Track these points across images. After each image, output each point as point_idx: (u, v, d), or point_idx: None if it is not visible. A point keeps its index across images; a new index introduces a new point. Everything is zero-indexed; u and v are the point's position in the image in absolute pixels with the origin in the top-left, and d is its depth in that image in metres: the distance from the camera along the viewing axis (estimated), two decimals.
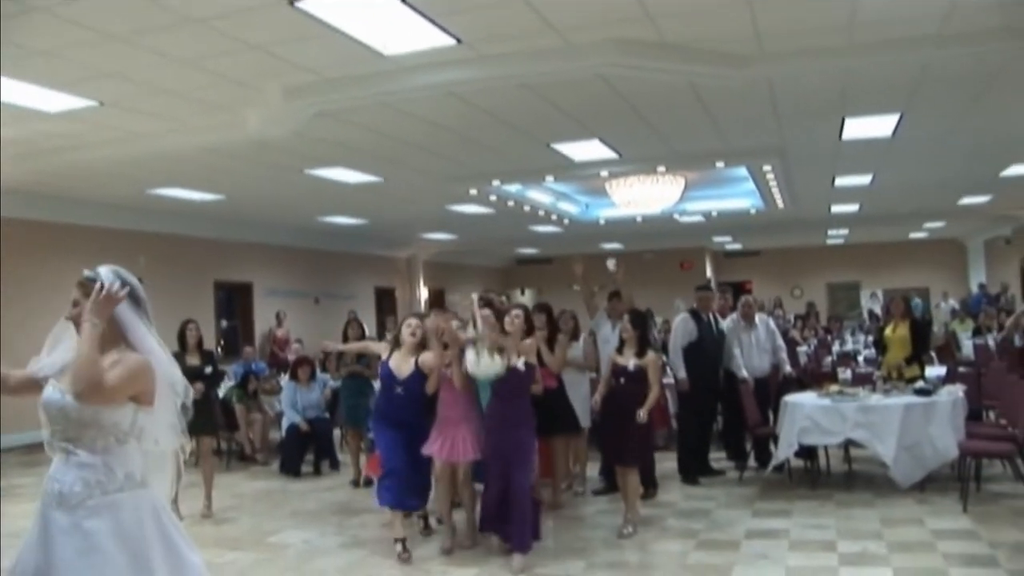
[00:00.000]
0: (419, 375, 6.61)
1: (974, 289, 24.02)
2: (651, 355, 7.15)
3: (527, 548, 6.28)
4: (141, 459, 3.08)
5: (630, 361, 7.10)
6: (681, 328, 9.25)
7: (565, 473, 8.53)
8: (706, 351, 9.16)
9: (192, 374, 8.22)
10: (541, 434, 6.93)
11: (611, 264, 9.04)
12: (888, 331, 9.84)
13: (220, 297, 17.84)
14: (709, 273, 28.07)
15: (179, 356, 8.33)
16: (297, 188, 13.24)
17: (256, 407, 11.70)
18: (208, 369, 8.55)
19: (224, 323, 18.17)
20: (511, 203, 16.11)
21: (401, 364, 6.69)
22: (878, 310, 22.87)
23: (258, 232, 17.98)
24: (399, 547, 6.55)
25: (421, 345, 6.73)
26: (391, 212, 16.71)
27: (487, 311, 6.93)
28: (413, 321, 6.83)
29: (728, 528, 7.17)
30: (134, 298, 3.16)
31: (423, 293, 24.49)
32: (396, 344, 6.82)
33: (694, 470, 9.00)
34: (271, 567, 6.60)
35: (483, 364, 6.47)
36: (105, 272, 3.14)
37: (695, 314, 9.29)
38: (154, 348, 3.16)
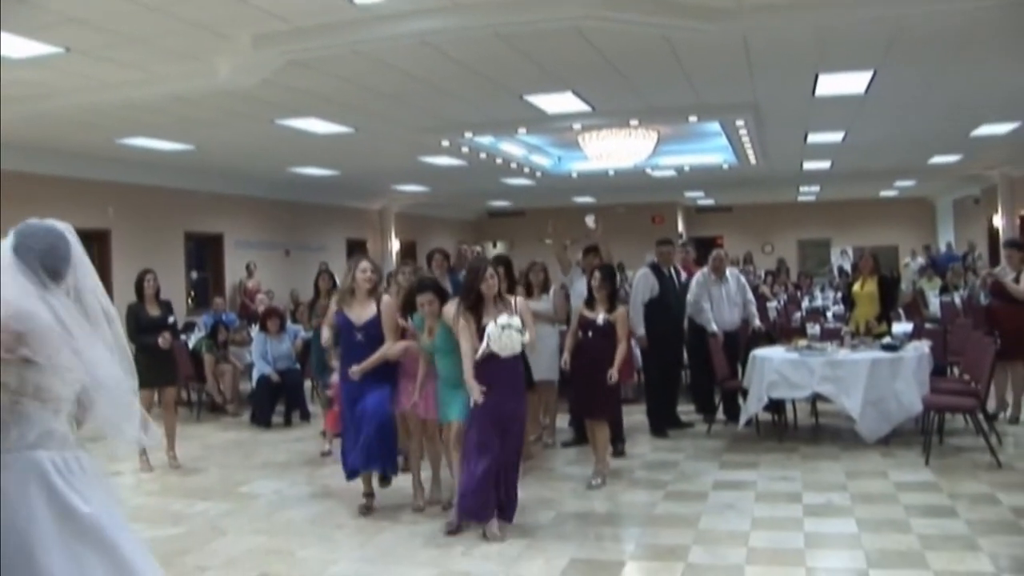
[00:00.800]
0: (380, 319, 6.39)
1: (943, 248, 24.29)
2: (621, 310, 7.18)
3: (512, 517, 6.02)
4: (51, 419, 2.95)
5: (599, 315, 7.11)
6: (642, 283, 9.27)
7: (534, 425, 8.60)
8: (668, 305, 9.20)
9: (153, 325, 8.23)
10: None
11: (590, 221, 9.07)
12: (857, 287, 9.94)
13: (190, 248, 17.66)
14: (681, 228, 28.14)
15: (138, 307, 8.30)
16: (268, 138, 13.07)
17: (225, 358, 11.69)
18: (170, 319, 8.49)
19: (194, 274, 18.06)
20: (483, 155, 16.01)
21: (359, 310, 6.44)
22: (847, 267, 23.09)
23: (229, 183, 17.76)
24: (364, 501, 6.59)
25: (375, 289, 6.52)
26: (363, 163, 16.55)
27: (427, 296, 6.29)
28: (367, 265, 6.49)
29: (696, 479, 7.28)
30: (23, 251, 2.99)
31: (395, 245, 24.40)
32: (351, 292, 6.50)
33: (663, 423, 9.09)
34: (241, 517, 6.63)
35: (504, 339, 5.72)
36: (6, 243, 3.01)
37: (656, 269, 9.32)
38: (11, 296, 2.91)
